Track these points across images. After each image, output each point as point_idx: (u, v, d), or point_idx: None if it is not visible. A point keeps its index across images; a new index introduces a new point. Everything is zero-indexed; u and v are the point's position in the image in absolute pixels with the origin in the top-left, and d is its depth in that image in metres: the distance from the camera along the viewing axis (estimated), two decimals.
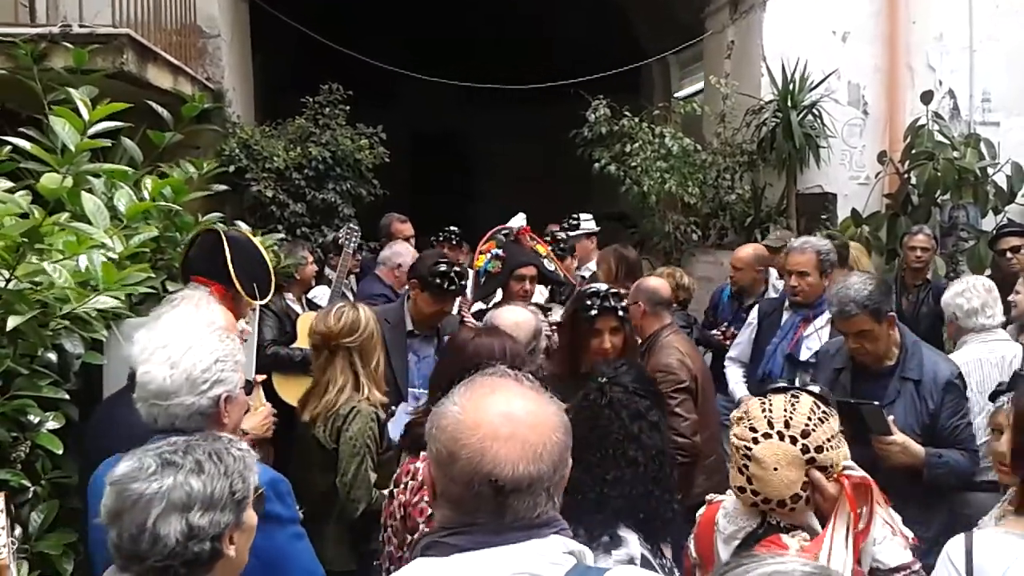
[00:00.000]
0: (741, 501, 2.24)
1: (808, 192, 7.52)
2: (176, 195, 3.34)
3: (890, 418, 3.22)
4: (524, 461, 1.43)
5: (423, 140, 12.65)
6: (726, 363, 5.08)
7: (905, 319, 4.81)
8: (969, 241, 7.15)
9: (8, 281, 2.48)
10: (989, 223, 7.01)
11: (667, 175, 7.21)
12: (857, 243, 6.24)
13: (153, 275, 3.05)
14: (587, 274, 6.23)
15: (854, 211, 7.32)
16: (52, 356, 2.65)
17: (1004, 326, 4.26)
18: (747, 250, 5.83)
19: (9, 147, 3.03)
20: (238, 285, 3.03)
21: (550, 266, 5.10)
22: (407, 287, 4.44)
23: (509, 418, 1.46)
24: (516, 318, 3.47)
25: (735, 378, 4.96)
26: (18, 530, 2.37)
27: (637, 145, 7.32)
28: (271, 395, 4.42)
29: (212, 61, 7.41)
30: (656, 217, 7.63)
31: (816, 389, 2.30)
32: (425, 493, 2.50)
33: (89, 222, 2.74)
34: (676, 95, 9.54)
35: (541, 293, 5.34)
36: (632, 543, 2.19)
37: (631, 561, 2.14)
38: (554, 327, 4.14)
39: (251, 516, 1.83)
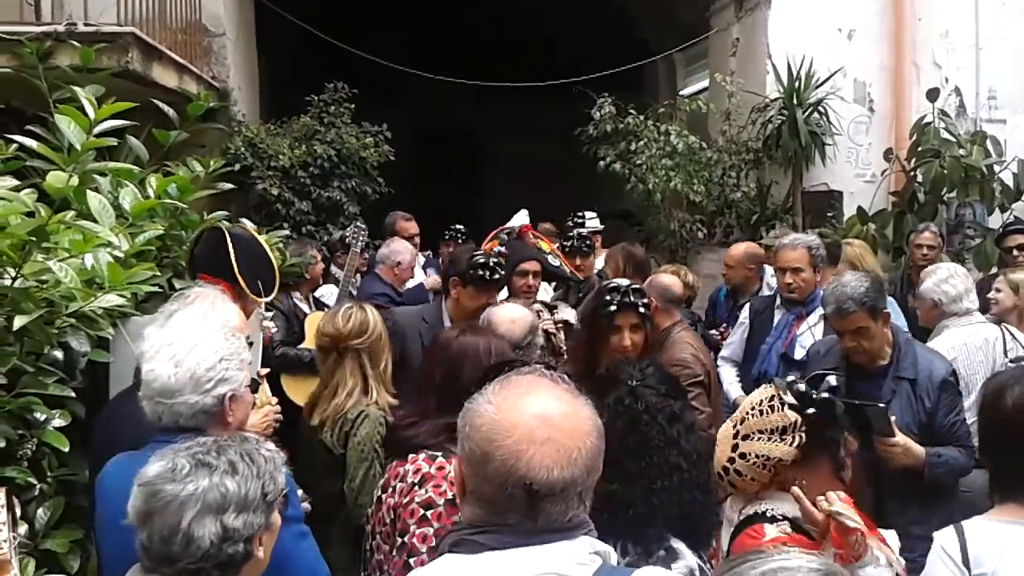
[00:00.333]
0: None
1: (814, 190, 7.51)
2: (182, 193, 3.33)
3: (891, 419, 3.21)
4: (559, 466, 1.41)
5: (428, 137, 12.65)
6: (719, 363, 4.94)
7: (911, 316, 4.80)
8: (976, 239, 7.14)
9: (14, 279, 2.48)
10: (996, 220, 7.01)
11: (672, 173, 7.19)
12: (861, 241, 6.20)
13: (159, 273, 3.05)
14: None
15: (860, 209, 7.31)
16: (58, 354, 2.65)
17: None
18: (739, 248, 5.79)
19: (15, 145, 3.03)
20: (242, 282, 3.00)
21: (554, 262, 5.09)
22: (449, 285, 4.29)
23: (545, 421, 1.44)
24: (511, 314, 3.46)
25: (728, 378, 4.86)
26: (24, 527, 2.37)
27: (642, 143, 7.30)
28: (279, 393, 4.40)
29: (217, 60, 7.42)
30: (661, 215, 7.62)
31: (834, 380, 2.38)
32: (415, 494, 2.47)
33: (95, 220, 2.74)
34: (681, 93, 9.51)
35: (546, 291, 5.33)
36: (687, 554, 2.10)
37: (691, 574, 2.06)
38: (559, 325, 4.14)
39: (277, 517, 1.82)
